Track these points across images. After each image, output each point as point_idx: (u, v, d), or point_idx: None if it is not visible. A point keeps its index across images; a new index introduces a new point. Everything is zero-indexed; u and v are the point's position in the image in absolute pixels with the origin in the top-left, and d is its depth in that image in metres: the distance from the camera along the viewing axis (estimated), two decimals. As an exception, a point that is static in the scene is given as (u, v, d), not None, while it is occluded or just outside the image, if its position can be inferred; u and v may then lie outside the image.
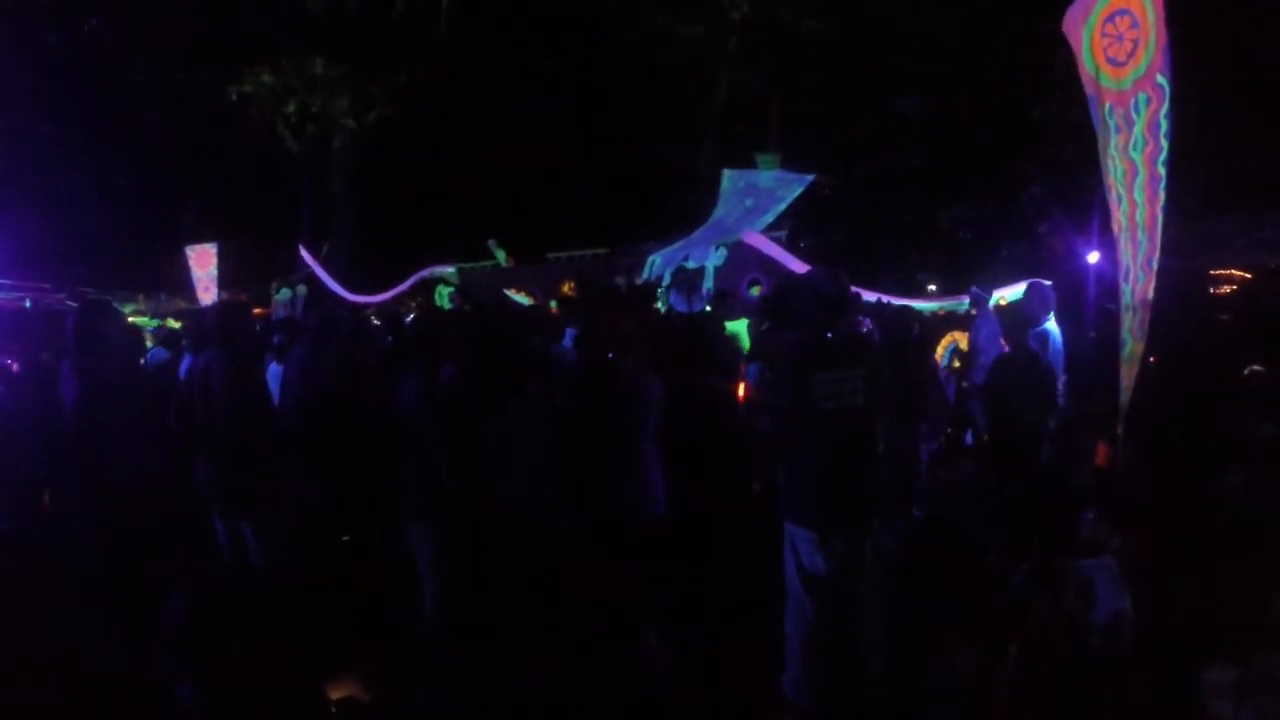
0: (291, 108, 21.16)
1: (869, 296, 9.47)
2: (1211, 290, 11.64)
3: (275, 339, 7.57)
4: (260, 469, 5.00)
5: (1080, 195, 14.06)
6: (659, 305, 7.45)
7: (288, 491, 5.19)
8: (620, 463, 4.57)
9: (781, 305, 6.25)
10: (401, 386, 4.86)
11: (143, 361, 7.77)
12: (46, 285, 15.87)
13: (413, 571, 4.96)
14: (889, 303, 9.15)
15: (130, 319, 11.14)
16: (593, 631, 4.47)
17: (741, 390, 6.31)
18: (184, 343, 7.87)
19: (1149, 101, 4.48)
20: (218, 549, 5.51)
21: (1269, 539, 4.54)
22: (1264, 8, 13.14)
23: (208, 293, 14.76)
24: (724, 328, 6.80)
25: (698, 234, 12.51)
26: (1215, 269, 11.93)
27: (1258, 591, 3.81)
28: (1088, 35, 4.74)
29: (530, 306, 11.15)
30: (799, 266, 10.87)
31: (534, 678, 4.30)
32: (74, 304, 13.14)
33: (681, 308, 6.64)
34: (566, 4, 20.96)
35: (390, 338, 8.27)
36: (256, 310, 14.40)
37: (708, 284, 11.38)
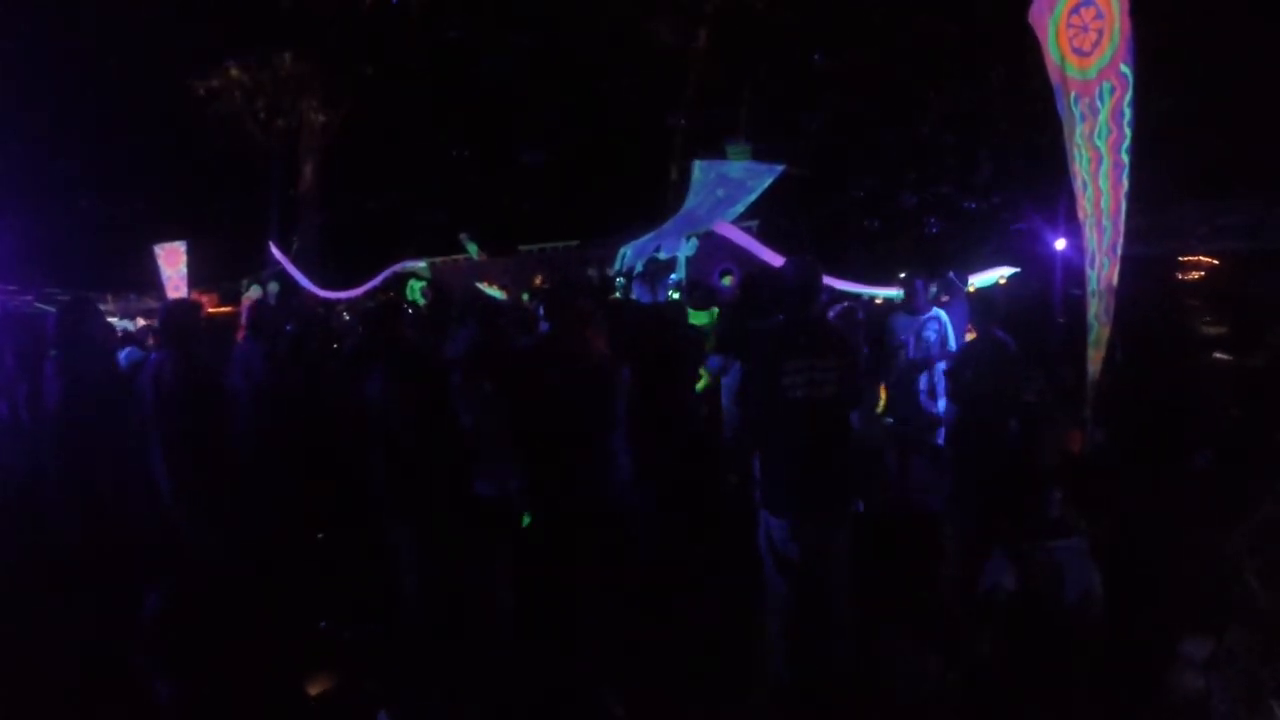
0: (260, 103, 20.96)
1: (838, 285, 9.57)
2: (1180, 276, 11.78)
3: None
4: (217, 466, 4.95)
5: (1048, 183, 14.18)
6: (617, 294, 7.43)
7: (258, 488, 5.16)
8: (589, 451, 4.57)
9: (753, 295, 6.28)
10: (369, 381, 4.84)
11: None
12: (13, 287, 15.63)
13: (392, 566, 4.96)
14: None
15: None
16: (569, 620, 4.49)
17: (702, 382, 6.34)
18: (149, 341, 7.80)
19: (1113, 90, 4.56)
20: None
21: (1236, 519, 4.63)
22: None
23: (178, 291, 14.54)
24: (688, 317, 6.78)
25: (669, 225, 12.49)
26: (1183, 255, 12.06)
27: (1226, 570, 3.88)
28: (1053, 25, 4.79)
29: (503, 301, 11.16)
30: (770, 256, 10.89)
31: (512, 669, 4.32)
32: (42, 305, 13.01)
33: (646, 299, 6.63)
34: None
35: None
36: (229, 308, 14.32)
37: (680, 274, 11.39)
